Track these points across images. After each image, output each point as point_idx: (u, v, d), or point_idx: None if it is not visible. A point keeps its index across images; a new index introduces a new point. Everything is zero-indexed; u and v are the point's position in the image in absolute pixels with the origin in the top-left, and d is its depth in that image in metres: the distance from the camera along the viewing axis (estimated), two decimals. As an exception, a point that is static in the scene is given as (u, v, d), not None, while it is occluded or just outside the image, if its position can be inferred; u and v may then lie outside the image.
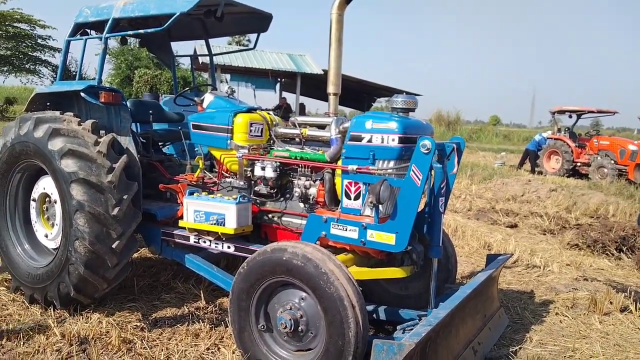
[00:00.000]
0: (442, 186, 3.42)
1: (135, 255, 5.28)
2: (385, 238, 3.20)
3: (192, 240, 3.99)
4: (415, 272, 3.61)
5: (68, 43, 4.59)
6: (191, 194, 3.93)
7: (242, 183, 4.01)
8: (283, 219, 3.92)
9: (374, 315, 3.87)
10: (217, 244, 3.86)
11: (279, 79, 23.21)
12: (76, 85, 4.28)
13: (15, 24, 26.50)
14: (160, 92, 24.79)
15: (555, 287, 5.28)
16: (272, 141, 4.09)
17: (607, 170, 15.11)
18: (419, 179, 3.08)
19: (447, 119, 35.10)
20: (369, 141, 3.34)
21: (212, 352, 3.54)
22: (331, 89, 3.80)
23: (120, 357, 3.42)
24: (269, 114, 4.23)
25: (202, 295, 4.40)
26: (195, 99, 4.56)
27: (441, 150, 3.50)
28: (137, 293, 4.49)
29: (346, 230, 3.35)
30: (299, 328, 3.08)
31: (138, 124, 4.91)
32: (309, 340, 3.10)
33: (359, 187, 3.42)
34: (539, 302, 4.81)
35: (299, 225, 3.80)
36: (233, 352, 3.41)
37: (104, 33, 4.25)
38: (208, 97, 4.34)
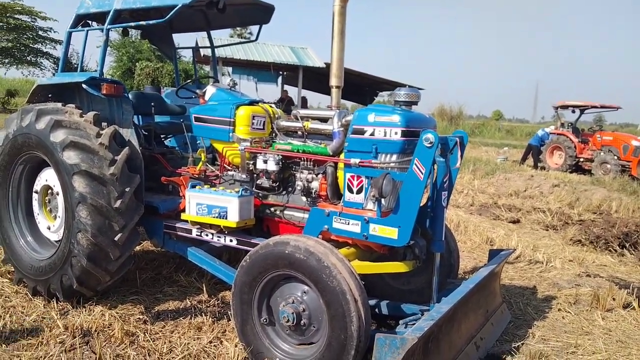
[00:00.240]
0: (445, 180, 3.40)
1: (138, 248, 5.28)
2: (388, 232, 3.18)
3: (195, 233, 3.98)
4: (417, 266, 3.61)
5: (69, 34, 4.57)
6: (193, 186, 3.92)
7: (244, 176, 4.00)
8: (285, 212, 3.91)
9: (376, 310, 3.86)
10: (220, 237, 3.85)
11: (280, 72, 23.15)
12: (78, 77, 4.26)
13: (16, 16, 26.45)
14: (162, 85, 24.77)
15: (558, 283, 5.27)
16: (274, 134, 4.08)
17: (610, 166, 15.05)
18: (422, 173, 3.06)
19: (450, 114, 35.02)
20: (372, 134, 3.32)
21: (214, 345, 3.55)
22: (334, 81, 3.78)
23: (123, 349, 3.42)
24: (271, 106, 4.21)
25: (204, 288, 4.40)
26: (197, 91, 4.54)
27: (444, 144, 3.48)
28: (139, 286, 4.50)
29: (348, 224, 3.34)
30: (302, 322, 3.07)
31: (140, 116, 4.90)
32: (311, 334, 3.10)
33: (362, 180, 3.40)
34: (541, 298, 4.81)
35: (301, 218, 3.79)
36: (235, 346, 3.41)
37: (106, 24, 4.23)
38: (210, 90, 4.32)
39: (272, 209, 3.96)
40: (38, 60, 28.44)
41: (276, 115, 4.15)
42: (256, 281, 3.16)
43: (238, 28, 34.66)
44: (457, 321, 3.23)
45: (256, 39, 5.21)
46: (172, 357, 3.37)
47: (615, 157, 15.17)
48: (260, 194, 3.96)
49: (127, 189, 3.86)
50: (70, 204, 3.80)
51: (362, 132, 3.36)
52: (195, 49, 6.12)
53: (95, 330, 3.61)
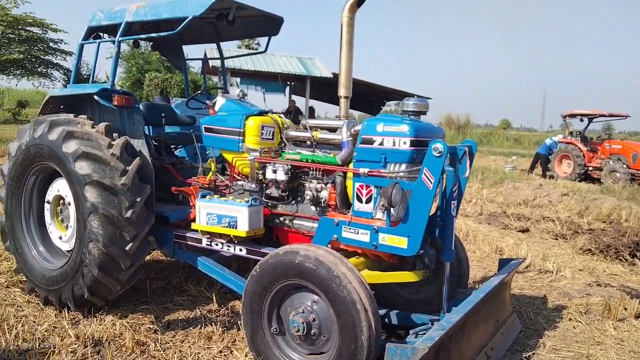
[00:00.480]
0: (454, 189, 3.41)
1: (148, 257, 5.30)
2: (397, 242, 3.19)
3: (205, 242, 4.00)
4: (427, 276, 3.60)
5: (81, 46, 4.64)
6: (203, 196, 3.94)
7: (253, 186, 4.03)
8: (294, 221, 3.92)
9: (386, 320, 3.86)
10: (229, 246, 3.87)
11: (288, 83, 23.28)
12: (90, 89, 4.32)
13: (27, 28, 26.79)
14: (171, 95, 24.95)
15: (568, 293, 5.23)
16: (283, 144, 4.10)
17: (620, 175, 14.96)
18: (431, 182, 3.07)
19: (457, 123, 34.98)
20: (381, 144, 3.34)
21: (224, 354, 3.55)
22: (342, 92, 3.80)
23: (134, 359, 3.44)
24: (280, 116, 4.24)
25: (214, 298, 4.41)
26: (207, 102, 4.59)
27: (453, 153, 3.49)
28: (149, 295, 4.52)
29: (358, 233, 3.35)
30: (312, 331, 3.08)
31: (150, 126, 4.95)
32: (321, 344, 3.10)
33: (371, 190, 3.41)
34: (551, 308, 4.77)
35: (311, 228, 3.81)
36: (246, 355, 3.42)
37: (117, 36, 4.29)
38: (220, 100, 4.36)
39: (282, 219, 3.97)
40: (48, 71, 28.73)
41: (285, 125, 4.18)
42: (266, 290, 3.17)
43: (246, 39, 34.87)
44: (468, 331, 3.22)
45: (265, 50, 5.26)
46: (183, 367, 3.38)
47: (625, 166, 15.09)
48: (269, 204, 3.98)
49: (138, 199, 3.89)
50: (82, 214, 3.84)
51: (371, 142, 3.38)
52: (205, 60, 6.18)
53: (107, 340, 3.63)
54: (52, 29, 27.65)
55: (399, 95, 24.33)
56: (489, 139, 38.14)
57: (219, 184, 4.31)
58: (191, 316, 4.19)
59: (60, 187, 4.27)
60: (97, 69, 4.89)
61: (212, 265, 4.00)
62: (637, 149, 15.35)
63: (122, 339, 3.63)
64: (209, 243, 3.98)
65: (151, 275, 4.98)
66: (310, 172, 3.82)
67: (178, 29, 3.97)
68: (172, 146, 5.13)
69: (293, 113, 17.51)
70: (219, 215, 3.79)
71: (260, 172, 3.97)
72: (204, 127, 4.25)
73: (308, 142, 3.96)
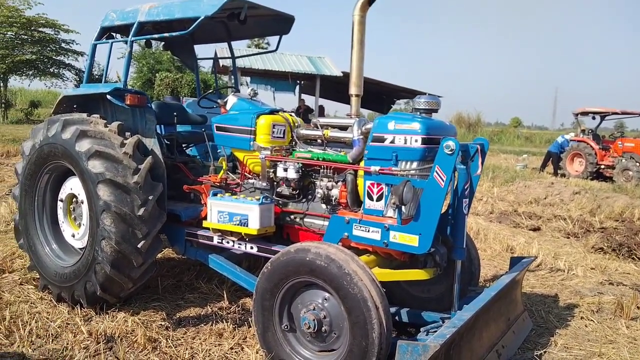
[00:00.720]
0: (465, 187, 3.40)
1: (159, 255, 5.34)
2: (408, 239, 3.19)
3: (216, 240, 4.03)
4: (438, 274, 3.60)
5: (94, 47, 4.68)
6: (215, 194, 3.97)
7: (264, 184, 4.04)
8: (305, 219, 3.93)
9: (397, 318, 3.86)
10: (240, 244, 3.89)
11: (298, 82, 23.30)
12: (102, 88, 4.36)
13: (40, 29, 27.02)
14: (182, 95, 25.07)
15: (580, 291, 5.20)
16: (294, 142, 4.11)
17: (632, 173, 14.82)
18: (443, 180, 3.07)
19: (468, 121, 34.83)
20: (392, 142, 3.34)
21: (235, 351, 3.57)
22: (353, 90, 3.80)
23: (146, 355, 3.47)
24: (291, 115, 4.26)
25: (225, 295, 4.44)
26: (219, 101, 4.61)
27: (465, 151, 3.48)
28: (161, 293, 4.55)
29: (369, 231, 3.35)
30: (323, 328, 3.09)
31: (162, 125, 4.98)
32: (332, 341, 3.11)
33: (382, 188, 3.41)
34: (563, 306, 4.75)
35: (321, 226, 3.82)
36: (257, 352, 3.44)
37: (130, 36, 4.33)
38: (231, 99, 4.38)
39: (292, 217, 3.99)
40: (60, 71, 28.94)
41: (296, 124, 4.19)
42: (277, 288, 3.19)
43: (256, 38, 34.94)
44: (479, 329, 3.21)
45: (276, 49, 5.27)
46: (195, 363, 3.40)
47: (638, 164, 14.94)
48: (280, 202, 3.99)
49: (150, 197, 3.92)
50: (95, 212, 3.88)
51: (382, 140, 3.38)
52: (216, 60, 6.21)
53: (119, 336, 3.67)
54: (64, 30, 27.85)
55: (409, 94, 24.26)
56: (499, 137, 37.92)
57: (230, 182, 4.33)
58: (202, 313, 4.22)
59: (73, 186, 4.32)
60: (109, 69, 4.94)
61: (223, 263, 4.02)
62: (650, 147, 15.19)
63: (134, 336, 3.67)
64: (220, 241, 4.01)
65: (163, 273, 5.02)
66: (321, 171, 3.83)
67: (190, 28, 3.99)
68: (183, 145, 5.16)
69: (303, 112, 17.53)
70: (230, 213, 3.81)
71: (271, 170, 3.99)
72: (216, 126, 4.27)
73: (319, 141, 3.97)
